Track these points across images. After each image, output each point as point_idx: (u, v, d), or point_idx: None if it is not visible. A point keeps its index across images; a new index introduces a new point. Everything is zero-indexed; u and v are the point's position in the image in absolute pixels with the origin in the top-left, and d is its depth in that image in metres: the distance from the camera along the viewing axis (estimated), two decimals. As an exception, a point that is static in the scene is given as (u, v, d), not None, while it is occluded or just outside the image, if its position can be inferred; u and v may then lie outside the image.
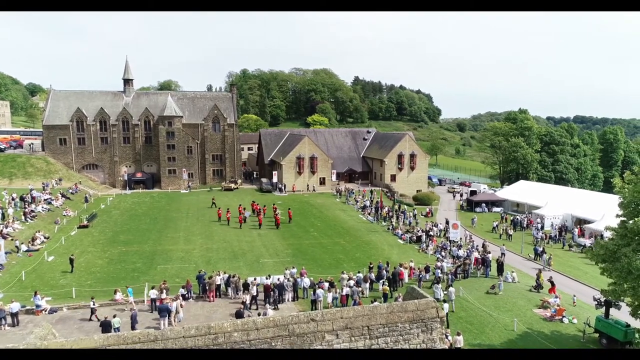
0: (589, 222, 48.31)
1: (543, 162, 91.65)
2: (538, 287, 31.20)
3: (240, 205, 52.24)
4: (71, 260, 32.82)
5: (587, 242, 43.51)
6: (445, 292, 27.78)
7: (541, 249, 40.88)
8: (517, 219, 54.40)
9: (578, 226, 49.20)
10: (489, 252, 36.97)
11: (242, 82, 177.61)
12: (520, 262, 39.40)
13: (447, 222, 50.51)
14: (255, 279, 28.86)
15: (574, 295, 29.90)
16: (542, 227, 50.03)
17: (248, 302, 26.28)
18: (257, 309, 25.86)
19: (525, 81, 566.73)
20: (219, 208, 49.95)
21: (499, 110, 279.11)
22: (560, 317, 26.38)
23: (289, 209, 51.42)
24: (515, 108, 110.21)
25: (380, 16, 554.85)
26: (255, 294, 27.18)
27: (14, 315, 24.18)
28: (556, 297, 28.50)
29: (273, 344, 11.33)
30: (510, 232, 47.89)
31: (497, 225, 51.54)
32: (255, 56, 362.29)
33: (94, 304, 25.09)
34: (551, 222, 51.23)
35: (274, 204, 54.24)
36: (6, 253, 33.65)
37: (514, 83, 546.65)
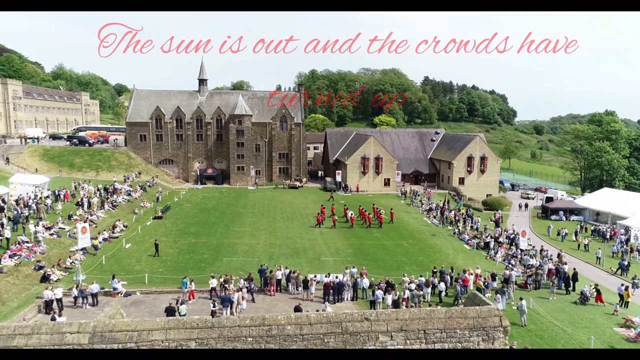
0: (685, 236, 43.40)
1: (632, 168, 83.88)
2: (623, 303, 28.66)
3: (345, 207, 52.72)
4: (156, 246, 35.53)
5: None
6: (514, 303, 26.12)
7: (626, 262, 37.36)
8: (599, 229, 50.15)
9: (671, 240, 44.31)
10: (565, 263, 34.41)
11: (311, 82, 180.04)
12: (600, 276, 36.23)
13: (497, 224, 48.91)
14: (315, 276, 29.08)
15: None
16: (628, 240, 45.65)
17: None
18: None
19: (612, 81, 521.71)
20: (318, 213, 48.52)
21: (581, 112, 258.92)
22: (646, 338, 23.88)
23: (392, 209, 51.59)
24: (601, 109, 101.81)
25: (453, 16, 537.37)
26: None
27: (94, 295, 26.38)
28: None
29: (326, 340, 11.24)
30: (586, 241, 44.24)
31: (564, 233, 48.36)
32: (325, 56, 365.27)
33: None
34: (635, 234, 46.46)
35: (373, 204, 54.47)
36: (91, 238, 36.58)
37: (599, 83, 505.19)
